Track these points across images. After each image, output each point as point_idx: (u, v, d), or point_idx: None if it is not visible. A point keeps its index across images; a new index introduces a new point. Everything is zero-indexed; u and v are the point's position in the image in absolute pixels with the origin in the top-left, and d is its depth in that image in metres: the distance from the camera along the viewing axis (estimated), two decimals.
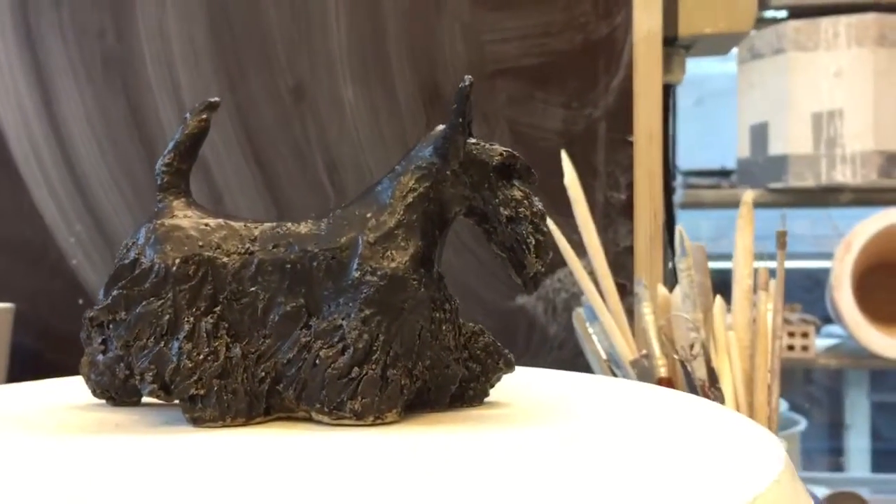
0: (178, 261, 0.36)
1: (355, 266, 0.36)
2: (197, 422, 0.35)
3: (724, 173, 1.69)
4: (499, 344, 0.39)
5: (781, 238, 0.59)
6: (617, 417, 0.38)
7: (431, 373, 0.37)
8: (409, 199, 0.37)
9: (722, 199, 1.61)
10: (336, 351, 0.35)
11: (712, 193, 1.61)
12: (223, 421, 0.35)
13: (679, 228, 0.59)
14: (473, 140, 0.37)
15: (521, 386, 0.43)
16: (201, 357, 0.36)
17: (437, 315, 0.37)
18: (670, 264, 0.80)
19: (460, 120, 0.36)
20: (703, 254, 0.61)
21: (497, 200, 0.36)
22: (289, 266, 0.36)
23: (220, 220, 0.38)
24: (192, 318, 0.36)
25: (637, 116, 0.70)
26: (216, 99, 0.41)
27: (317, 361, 0.36)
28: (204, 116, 0.41)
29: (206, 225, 0.37)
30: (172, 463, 0.31)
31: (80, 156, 0.75)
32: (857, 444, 2.07)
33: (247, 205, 0.73)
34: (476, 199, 0.37)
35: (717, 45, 0.79)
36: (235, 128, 0.74)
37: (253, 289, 0.37)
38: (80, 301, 0.75)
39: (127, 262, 0.37)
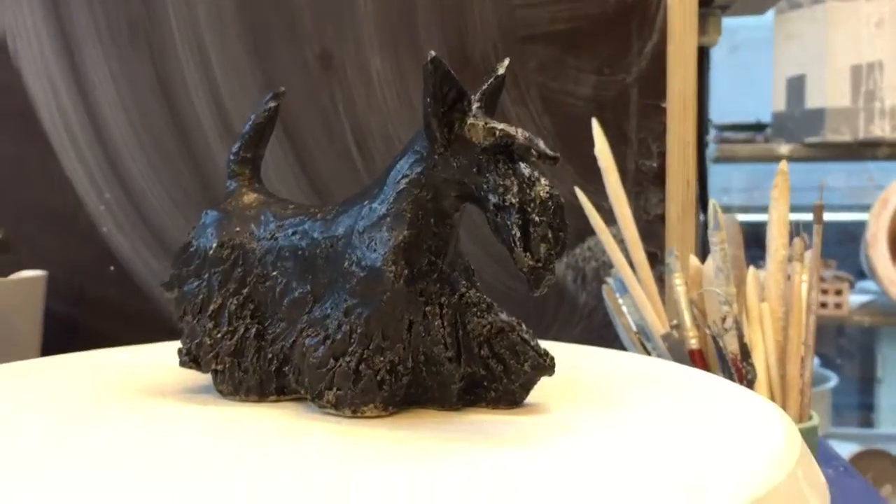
0: (214, 244, 0.39)
1: (346, 256, 0.36)
2: (222, 394, 0.38)
3: (758, 127, 1.65)
4: (532, 343, 0.36)
5: (818, 212, 0.58)
6: (633, 401, 0.38)
7: (428, 369, 0.36)
8: (401, 185, 0.35)
9: (756, 154, 1.58)
10: (318, 340, 0.36)
11: (747, 148, 1.58)
12: (237, 396, 0.38)
13: (713, 202, 0.58)
14: (475, 117, 0.33)
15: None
16: (219, 335, 0.38)
17: (430, 309, 0.35)
18: (702, 232, 0.79)
19: (429, 100, 0.33)
20: (736, 227, 0.60)
21: (486, 186, 0.33)
22: (300, 253, 0.37)
23: (263, 207, 0.39)
24: (219, 298, 0.38)
25: (671, 82, 0.69)
26: (282, 89, 0.43)
27: (303, 349, 0.37)
28: (270, 105, 0.42)
29: (249, 211, 0.39)
30: (172, 428, 0.34)
31: (108, 123, 0.75)
32: (889, 400, 2.06)
33: (276, 174, 0.73)
34: (466, 184, 0.34)
35: (756, 4, 0.77)
36: (262, 95, 0.73)
37: (274, 273, 0.38)
38: (112, 268, 0.75)
39: (184, 244, 0.40)
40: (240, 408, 0.37)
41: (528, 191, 0.32)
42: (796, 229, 0.63)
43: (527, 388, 0.36)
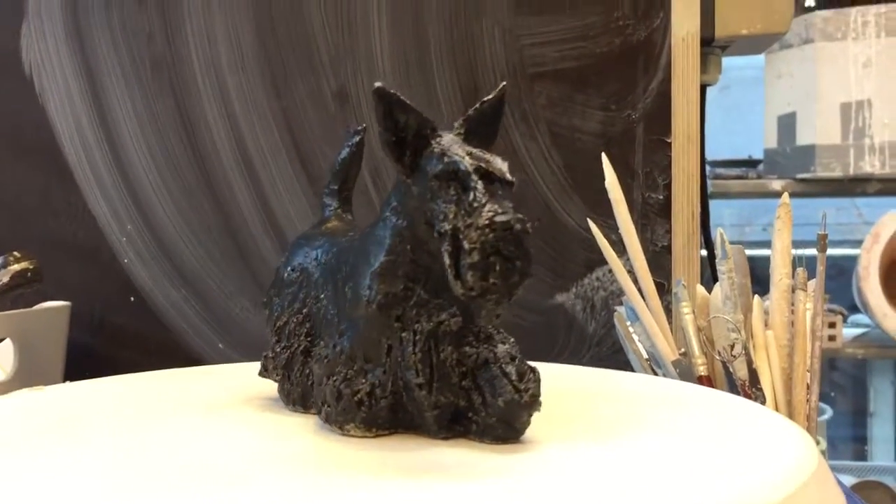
0: (288, 269, 0.42)
1: (347, 280, 0.38)
2: (284, 402, 0.41)
3: (751, 163, 1.69)
4: (511, 378, 0.34)
5: (822, 241, 0.60)
6: (652, 415, 0.39)
7: (407, 395, 0.36)
8: (386, 213, 0.36)
9: (749, 190, 1.61)
10: (316, 360, 0.38)
11: (739, 184, 1.62)
12: (289, 406, 0.41)
13: (719, 231, 0.61)
14: (438, 144, 0.34)
15: (553, 386, 0.43)
16: (279, 349, 0.41)
17: (406, 335, 0.35)
18: (706, 261, 0.81)
19: (380, 129, 0.34)
20: (742, 255, 0.63)
21: (432, 214, 0.33)
22: (330, 275, 0.40)
23: (329, 234, 0.42)
24: (285, 317, 0.41)
25: (675, 118, 0.72)
26: (362, 125, 0.45)
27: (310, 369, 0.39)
28: (354, 141, 0.45)
29: (319, 237, 0.42)
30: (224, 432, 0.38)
31: (130, 157, 0.78)
32: (882, 432, 2.08)
33: (294, 208, 0.75)
34: (427, 212, 0.34)
35: (753, 44, 0.80)
36: (281, 132, 0.76)
37: (322, 295, 0.40)
38: (132, 298, 0.77)
39: (276, 269, 0.43)
40: (278, 415, 0.40)
41: (465, 217, 0.32)
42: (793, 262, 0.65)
43: (508, 422, 0.35)
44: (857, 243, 1.60)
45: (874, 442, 2.05)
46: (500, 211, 0.32)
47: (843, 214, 2.16)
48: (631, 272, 0.65)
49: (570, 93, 0.73)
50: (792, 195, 1.61)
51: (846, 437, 2.19)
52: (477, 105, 0.36)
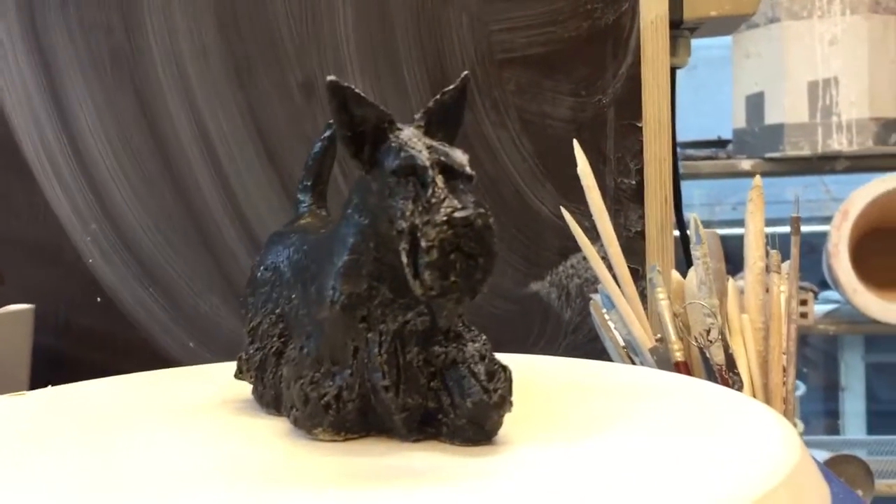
0: (262, 268, 0.41)
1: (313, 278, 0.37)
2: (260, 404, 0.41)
3: (720, 143, 1.69)
4: (480, 378, 0.34)
5: (796, 224, 0.60)
6: (629, 409, 0.39)
7: (376, 398, 0.35)
8: (349, 210, 0.35)
9: (718, 170, 1.62)
10: (285, 363, 0.37)
11: (709, 164, 1.62)
12: (263, 408, 0.40)
13: (693, 216, 0.60)
14: (397, 138, 0.33)
15: (529, 379, 0.42)
16: (251, 351, 0.40)
17: (371, 336, 0.35)
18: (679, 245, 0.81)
19: (336, 124, 0.33)
20: (717, 240, 0.62)
21: (391, 211, 0.32)
22: (300, 274, 0.38)
23: (302, 231, 0.41)
24: (259, 317, 0.40)
25: (646, 102, 0.71)
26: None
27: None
28: (326, 136, 0.45)
29: (291, 234, 0.41)
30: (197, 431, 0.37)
31: (91, 153, 0.76)
32: (853, 406, 2.10)
33: (262, 202, 0.74)
34: (387, 209, 0.32)
35: (722, 26, 0.80)
36: (246, 125, 0.74)
37: (294, 295, 0.39)
38: (98, 299, 0.76)
39: (251, 268, 0.42)
40: (251, 419, 0.39)
41: (423, 214, 0.31)
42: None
43: (478, 423, 0.34)
44: (826, 220, 1.61)
45: (846, 416, 2.08)
46: (459, 206, 0.31)
47: (812, 191, 2.17)
48: (605, 258, 0.64)
49: (539, 79, 0.72)
50: (761, 174, 1.62)
51: (818, 411, 2.22)
52: (437, 96, 0.35)
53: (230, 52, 0.74)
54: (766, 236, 0.65)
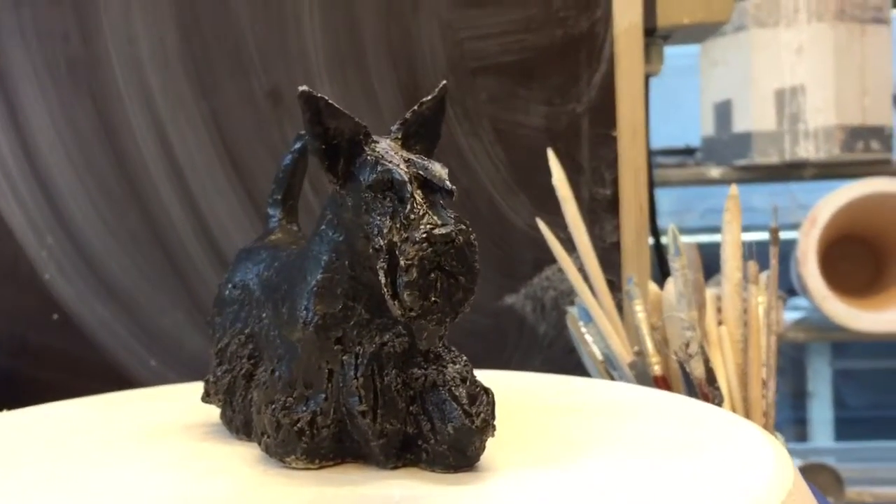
0: (230, 285, 0.39)
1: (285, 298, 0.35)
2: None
3: (688, 151, 1.69)
4: (462, 401, 0.32)
5: (774, 235, 0.59)
6: (614, 429, 0.37)
7: (352, 423, 0.33)
8: (321, 226, 0.34)
9: (688, 178, 1.61)
10: (256, 386, 0.36)
11: (678, 172, 1.62)
12: (232, 433, 0.38)
13: (672, 227, 0.59)
14: (373, 151, 0.31)
15: (509, 398, 0.40)
16: (220, 373, 0.38)
17: (347, 358, 0.33)
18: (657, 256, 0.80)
19: (308, 137, 0.31)
20: (695, 251, 0.61)
21: (368, 227, 0.31)
22: (270, 293, 0.37)
23: (272, 247, 0.39)
24: (227, 338, 0.38)
25: (620, 110, 0.70)
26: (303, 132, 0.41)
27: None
28: (296, 147, 0.43)
29: (261, 251, 0.39)
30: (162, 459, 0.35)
31: (48, 165, 0.73)
32: (821, 413, 2.11)
33: (227, 214, 0.72)
34: (363, 225, 0.31)
35: (695, 34, 0.79)
36: (211, 134, 0.72)
37: (264, 314, 0.37)
38: (55, 316, 0.73)
39: (219, 285, 0.40)
40: (219, 445, 0.37)
41: (401, 231, 0.29)
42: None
43: (460, 449, 0.32)
44: (793, 227, 1.62)
45: (813, 423, 2.09)
46: (439, 223, 0.29)
47: (780, 199, 2.19)
48: (581, 270, 0.63)
49: (512, 87, 0.71)
50: (730, 182, 1.62)
51: (787, 419, 2.23)
52: (415, 107, 0.34)
53: (193, 59, 0.72)
54: (743, 245, 0.64)
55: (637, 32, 0.70)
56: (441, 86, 0.35)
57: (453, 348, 0.34)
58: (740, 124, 1.56)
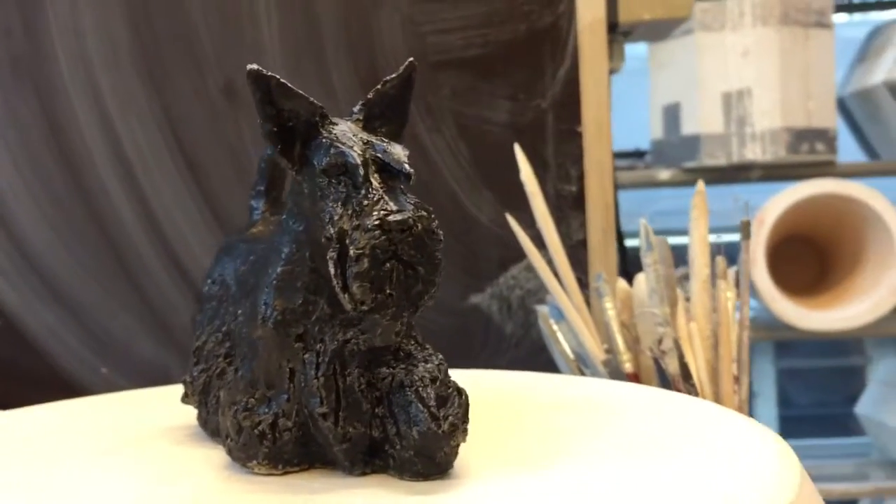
0: (209, 281, 0.36)
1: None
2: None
3: (638, 154, 1.70)
4: (429, 403, 0.29)
5: (746, 228, 0.58)
6: (597, 424, 0.36)
7: (315, 426, 0.31)
8: (283, 216, 0.32)
9: (638, 180, 1.62)
10: (222, 386, 0.34)
11: (629, 175, 1.62)
12: (209, 435, 0.36)
13: (642, 222, 0.58)
14: (330, 133, 0.30)
15: (482, 398, 0.38)
16: (196, 373, 0.35)
17: (308, 357, 0.31)
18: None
19: (260, 119, 0.30)
20: (666, 246, 0.60)
21: (322, 215, 0.29)
22: (244, 288, 0.35)
23: (251, 240, 0.37)
24: (205, 336, 0.35)
25: (585, 106, 0.69)
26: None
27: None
28: None
29: (240, 244, 0.37)
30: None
31: None
32: (766, 412, 2.14)
33: (181, 214, 0.69)
34: (320, 213, 0.29)
35: (656, 30, 0.79)
36: (164, 132, 0.69)
37: (240, 311, 0.35)
38: None
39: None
40: (189, 449, 0.35)
41: (353, 218, 0.28)
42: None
43: (427, 455, 0.29)
44: (734, 229, 1.63)
45: (758, 421, 2.11)
46: (395, 209, 0.27)
47: (723, 201, 2.21)
48: (550, 266, 0.61)
49: (475, 82, 0.69)
50: (679, 184, 1.63)
51: None
52: (378, 86, 0.32)
53: (144, 54, 0.69)
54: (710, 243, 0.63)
55: (601, 27, 0.69)
56: (407, 63, 0.33)
57: (428, 346, 0.32)
58: (689, 127, 1.58)
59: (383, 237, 0.27)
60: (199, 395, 0.35)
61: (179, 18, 0.69)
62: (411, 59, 0.33)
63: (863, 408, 1.77)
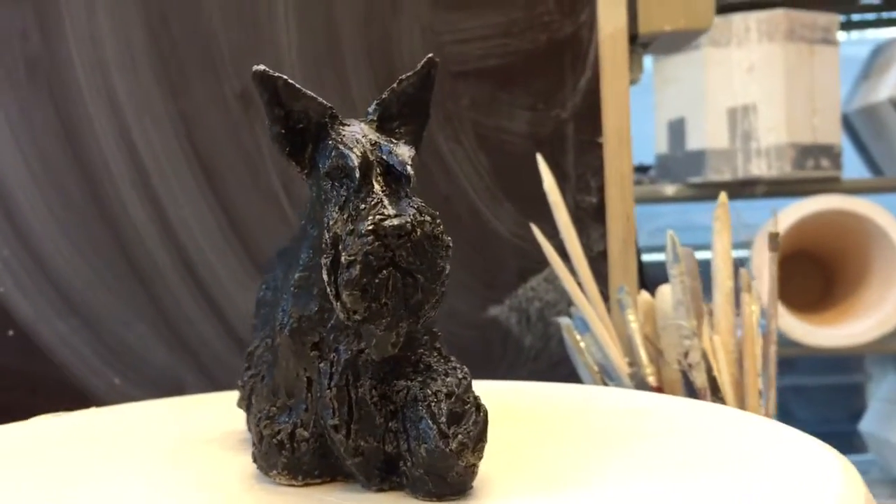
0: (264, 286, 0.36)
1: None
2: None
3: (643, 169, 1.70)
4: (439, 420, 0.28)
5: (774, 240, 0.58)
6: (633, 438, 0.34)
7: (329, 438, 0.30)
8: (303, 223, 0.31)
9: (643, 195, 1.62)
10: (257, 393, 0.33)
11: (634, 189, 1.62)
12: None
13: (670, 233, 0.58)
14: (338, 135, 0.29)
15: (506, 410, 0.37)
16: (245, 379, 0.35)
17: (323, 366, 0.29)
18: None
19: (267, 121, 0.29)
20: (693, 259, 0.59)
21: (325, 219, 0.28)
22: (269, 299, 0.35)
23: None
24: (256, 341, 0.35)
25: (606, 117, 0.68)
26: None
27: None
28: None
29: (292, 250, 0.35)
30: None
31: (3, 172, 0.68)
32: None
33: (196, 221, 0.68)
34: (325, 217, 0.29)
35: (675, 42, 0.78)
36: (179, 138, 0.68)
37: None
38: (11, 332, 0.68)
39: None
40: (232, 454, 0.35)
41: (348, 223, 0.27)
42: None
43: (438, 475, 0.28)
44: (738, 245, 1.63)
45: None
46: (392, 213, 0.26)
47: (732, 217, 2.20)
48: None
49: (495, 92, 0.69)
50: (684, 199, 1.62)
51: None
52: (393, 85, 0.31)
53: (161, 60, 0.68)
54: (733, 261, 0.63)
55: (622, 37, 0.69)
56: (426, 59, 0.31)
57: (452, 358, 0.31)
58: (694, 142, 1.57)
59: (377, 243, 0.26)
60: (247, 400, 0.34)
61: (196, 24, 0.68)
62: (430, 55, 0.32)
63: (866, 425, 1.77)
